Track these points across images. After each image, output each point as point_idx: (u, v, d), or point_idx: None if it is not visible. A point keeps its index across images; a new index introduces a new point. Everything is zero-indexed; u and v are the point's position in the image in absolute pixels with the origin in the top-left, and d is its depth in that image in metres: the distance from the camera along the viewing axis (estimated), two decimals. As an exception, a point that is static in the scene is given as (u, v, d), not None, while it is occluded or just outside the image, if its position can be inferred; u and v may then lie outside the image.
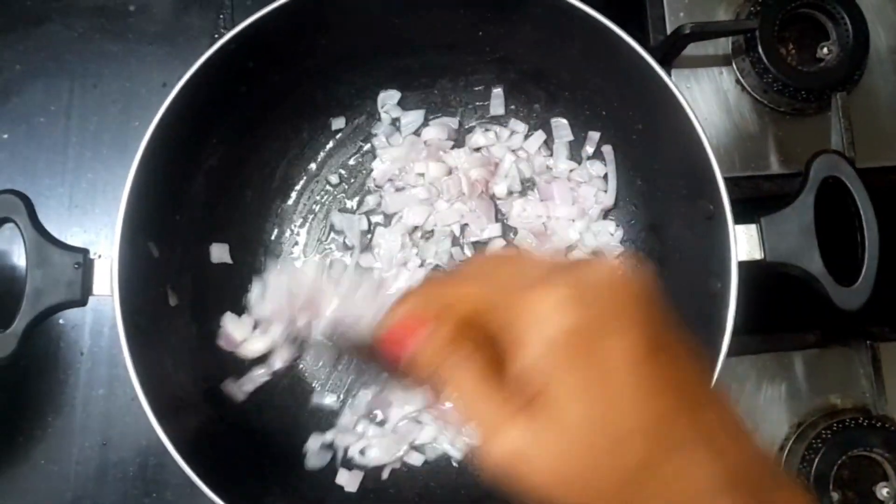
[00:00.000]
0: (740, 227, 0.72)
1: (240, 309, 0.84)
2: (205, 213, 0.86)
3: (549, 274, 0.43)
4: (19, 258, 0.93)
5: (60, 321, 0.94)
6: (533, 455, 0.41)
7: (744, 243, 0.72)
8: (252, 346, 0.86)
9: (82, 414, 0.93)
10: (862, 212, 0.71)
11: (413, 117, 0.95)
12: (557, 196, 0.91)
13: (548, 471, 0.41)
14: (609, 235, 0.91)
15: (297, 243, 0.94)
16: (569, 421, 0.40)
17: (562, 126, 0.94)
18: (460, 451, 0.88)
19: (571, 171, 0.93)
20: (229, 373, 0.86)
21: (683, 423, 0.41)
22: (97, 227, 0.96)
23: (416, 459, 0.88)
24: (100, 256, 0.91)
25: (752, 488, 0.41)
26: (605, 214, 0.93)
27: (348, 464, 0.87)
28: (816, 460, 0.86)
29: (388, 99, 0.95)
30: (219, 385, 0.83)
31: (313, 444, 0.86)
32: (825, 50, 0.94)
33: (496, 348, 0.44)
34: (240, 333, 0.85)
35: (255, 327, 0.85)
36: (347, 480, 0.86)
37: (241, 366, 0.87)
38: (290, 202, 0.94)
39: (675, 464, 0.40)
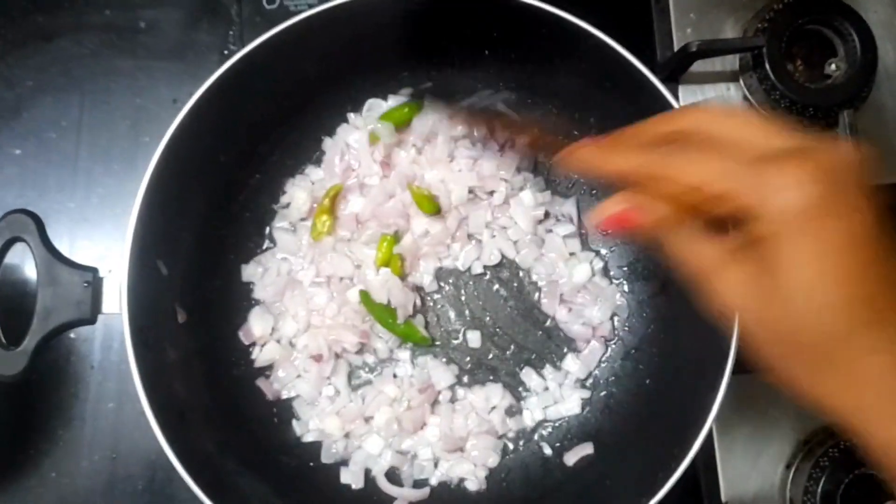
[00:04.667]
0: (746, 248, 0.72)
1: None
2: (212, 231, 0.86)
3: (789, 141, 0.47)
4: (29, 272, 0.93)
5: (71, 335, 0.94)
6: (752, 299, 0.48)
7: (750, 263, 0.72)
8: (263, 354, 0.89)
9: (92, 427, 0.93)
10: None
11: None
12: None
13: (761, 317, 0.48)
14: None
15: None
16: (793, 281, 0.45)
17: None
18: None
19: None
20: (239, 390, 0.86)
21: (887, 306, 0.45)
22: (107, 241, 0.97)
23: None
24: (109, 271, 0.92)
25: None
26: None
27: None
28: (823, 479, 0.86)
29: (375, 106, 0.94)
30: (230, 400, 0.84)
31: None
32: (833, 66, 0.93)
33: (721, 211, 0.48)
34: (259, 329, 0.88)
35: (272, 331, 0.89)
36: (353, 477, 0.87)
37: (252, 379, 0.88)
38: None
39: (870, 339, 0.45)
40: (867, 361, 0.45)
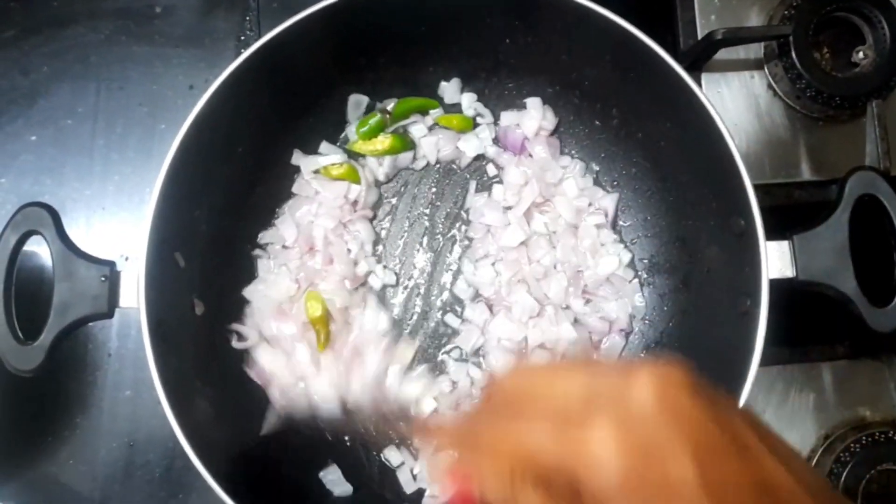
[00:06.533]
0: (772, 244, 0.70)
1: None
2: (230, 223, 0.86)
3: (587, 404, 0.42)
4: (45, 259, 0.92)
5: (88, 323, 0.94)
6: None
7: (775, 261, 0.70)
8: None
9: (109, 415, 0.94)
10: (898, 231, 0.70)
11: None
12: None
13: None
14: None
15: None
16: None
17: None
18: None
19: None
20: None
21: None
22: (123, 228, 0.97)
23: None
24: (126, 259, 0.92)
25: None
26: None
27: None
28: (844, 474, 0.85)
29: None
30: (245, 396, 0.84)
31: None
32: (861, 54, 0.91)
33: (557, 478, 0.43)
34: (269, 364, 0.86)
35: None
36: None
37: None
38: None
39: None
40: None
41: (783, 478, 0.41)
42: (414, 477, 0.87)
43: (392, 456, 0.88)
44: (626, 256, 0.91)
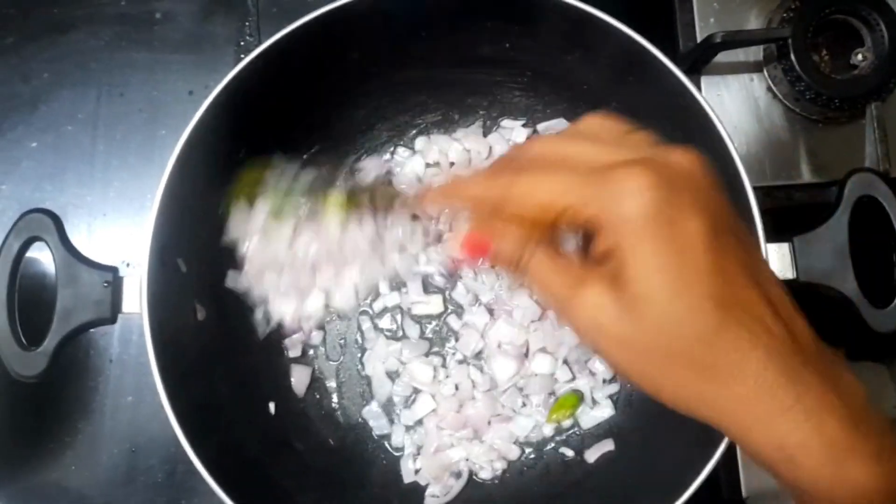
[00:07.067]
0: (772, 246, 0.71)
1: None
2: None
3: (628, 153, 0.46)
4: (47, 264, 0.93)
5: (91, 328, 0.95)
6: (608, 319, 0.45)
7: (776, 262, 0.71)
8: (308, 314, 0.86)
9: (111, 420, 0.94)
10: (899, 232, 0.70)
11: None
12: None
13: (620, 336, 0.45)
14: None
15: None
16: (646, 290, 0.43)
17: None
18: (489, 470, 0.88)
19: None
20: (261, 385, 0.87)
21: (750, 295, 0.44)
22: (125, 235, 0.97)
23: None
24: (128, 265, 0.92)
25: (804, 364, 0.43)
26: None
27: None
28: (846, 476, 0.85)
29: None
30: (248, 401, 0.84)
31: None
32: (859, 56, 0.91)
33: (572, 228, 0.47)
34: (289, 310, 0.85)
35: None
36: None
37: (277, 372, 0.89)
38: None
39: (736, 332, 0.43)
40: (736, 359, 0.43)
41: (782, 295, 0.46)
42: (416, 472, 0.88)
43: (396, 438, 0.89)
44: None
